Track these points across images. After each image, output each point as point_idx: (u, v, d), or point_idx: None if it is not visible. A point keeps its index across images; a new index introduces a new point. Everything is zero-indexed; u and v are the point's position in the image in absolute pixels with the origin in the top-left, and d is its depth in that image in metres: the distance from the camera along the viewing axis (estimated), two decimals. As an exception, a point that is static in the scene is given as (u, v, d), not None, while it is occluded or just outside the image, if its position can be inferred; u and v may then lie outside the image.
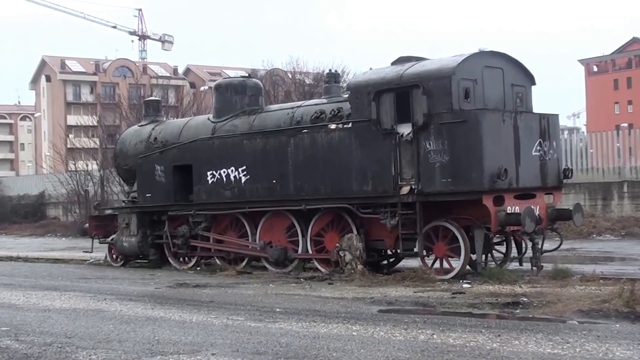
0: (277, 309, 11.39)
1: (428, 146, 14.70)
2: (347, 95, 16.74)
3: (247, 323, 10.15)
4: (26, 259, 24.83)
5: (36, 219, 52.36)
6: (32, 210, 53.90)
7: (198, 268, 19.20)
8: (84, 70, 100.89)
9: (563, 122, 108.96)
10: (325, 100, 17.76)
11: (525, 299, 11.45)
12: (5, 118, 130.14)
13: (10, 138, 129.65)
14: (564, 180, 16.09)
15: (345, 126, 16.30)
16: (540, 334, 8.75)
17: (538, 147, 15.26)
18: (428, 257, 15.58)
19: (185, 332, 9.50)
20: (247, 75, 20.76)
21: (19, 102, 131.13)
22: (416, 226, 15.00)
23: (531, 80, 16.17)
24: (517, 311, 10.65)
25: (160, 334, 9.45)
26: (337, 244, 16.26)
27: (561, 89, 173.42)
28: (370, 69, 16.77)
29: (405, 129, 15.07)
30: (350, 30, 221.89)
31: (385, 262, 17.53)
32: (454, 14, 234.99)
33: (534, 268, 15.16)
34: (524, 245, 16.06)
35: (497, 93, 15.37)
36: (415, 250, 15.32)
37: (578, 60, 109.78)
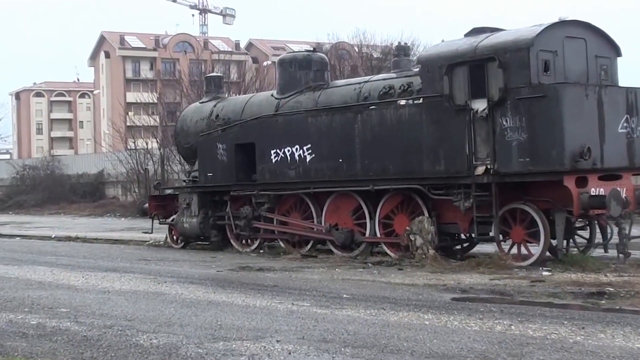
0: (344, 295, 11.33)
1: (504, 123, 14.43)
2: (417, 70, 16.55)
3: (312, 309, 10.11)
4: (85, 240, 25.25)
5: (95, 198, 53.41)
6: (90, 189, 54.97)
7: (261, 251, 19.27)
8: (143, 46, 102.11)
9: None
10: (394, 75, 17.59)
11: (611, 289, 11.19)
12: (64, 95, 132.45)
13: (69, 116, 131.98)
14: (654, 160, 15.60)
15: (415, 102, 16.12)
16: (628, 327, 8.50)
17: (625, 124, 14.82)
18: (505, 242, 15.33)
19: (249, 318, 9.50)
20: (311, 49, 20.70)
21: (78, 79, 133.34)
22: (492, 209, 14.76)
23: (617, 51, 15.72)
24: (602, 302, 10.40)
25: (222, 318, 9.47)
26: (407, 227, 16.11)
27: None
28: (442, 41, 16.51)
29: (479, 105, 14.82)
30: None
31: (458, 247, 17.35)
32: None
33: (621, 255, 14.72)
34: (609, 231, 15.64)
35: (580, 65, 14.98)
36: (491, 234, 15.12)
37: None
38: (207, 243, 20.87)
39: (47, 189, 56.22)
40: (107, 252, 20.39)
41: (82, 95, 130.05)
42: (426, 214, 16.05)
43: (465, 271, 14.02)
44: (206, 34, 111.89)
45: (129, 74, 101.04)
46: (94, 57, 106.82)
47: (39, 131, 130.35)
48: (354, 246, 17.39)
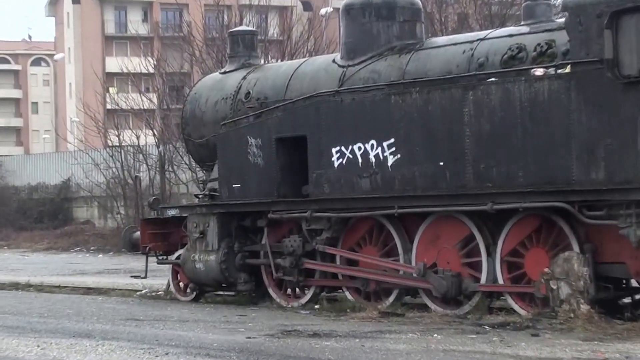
0: (446, 375, 11.52)
1: (703, 104, 14.57)
2: (562, 21, 16.64)
3: (395, 396, 10.31)
4: (40, 288, 25.60)
5: (57, 223, 53.98)
6: (50, 209, 55.60)
7: (316, 306, 19.44)
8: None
9: None
10: (526, 29, 17.71)
11: None
12: (7, 62, 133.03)
13: (17, 94, 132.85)
14: None
15: (559, 71, 16.22)
16: None
17: None
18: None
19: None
20: (396, -12, 20.80)
21: (30, 37, 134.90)
22: (680, 241, 14.85)
23: None
24: None
25: (255, 411, 9.71)
26: (546, 269, 16.20)
27: None
28: (603, -25, 16.60)
29: (662, 76, 14.94)
30: None
31: (627, 299, 17.39)
32: None
33: None
34: None
35: None
36: (679, 280, 15.15)
37: None
38: (233, 294, 21.13)
39: (-18, 209, 57.11)
40: (75, 308, 20.68)
41: (36, 62, 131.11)
42: (576, 249, 16.14)
43: (638, 338, 14.08)
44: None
45: (110, 29, 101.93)
46: (54, 2, 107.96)
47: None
48: (463, 298, 17.54)
